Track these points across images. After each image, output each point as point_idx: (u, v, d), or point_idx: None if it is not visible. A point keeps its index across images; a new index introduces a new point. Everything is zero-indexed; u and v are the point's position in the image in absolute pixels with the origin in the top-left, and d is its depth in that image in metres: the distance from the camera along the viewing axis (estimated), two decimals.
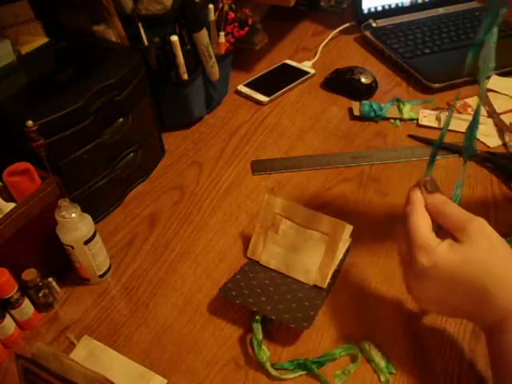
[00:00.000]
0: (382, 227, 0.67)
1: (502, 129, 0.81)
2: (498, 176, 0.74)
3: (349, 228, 0.59)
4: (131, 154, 0.72)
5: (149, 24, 0.74)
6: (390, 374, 0.51)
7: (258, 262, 0.63)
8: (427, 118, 0.84)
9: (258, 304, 0.56)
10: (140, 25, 0.73)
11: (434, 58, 0.95)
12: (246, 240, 0.66)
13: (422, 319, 0.56)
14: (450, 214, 0.45)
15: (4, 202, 0.56)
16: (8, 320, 0.54)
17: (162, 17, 0.74)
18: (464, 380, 0.51)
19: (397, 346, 0.54)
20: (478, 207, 0.69)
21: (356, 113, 0.86)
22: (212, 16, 0.80)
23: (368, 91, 0.90)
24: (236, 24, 0.86)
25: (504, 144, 0.78)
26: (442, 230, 0.46)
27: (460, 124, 0.82)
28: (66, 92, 0.61)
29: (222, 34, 0.84)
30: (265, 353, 0.53)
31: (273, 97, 0.91)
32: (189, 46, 0.77)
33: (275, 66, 1.00)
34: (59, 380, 0.45)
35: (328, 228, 0.59)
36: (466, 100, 0.87)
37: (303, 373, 0.52)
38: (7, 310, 0.54)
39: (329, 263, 0.59)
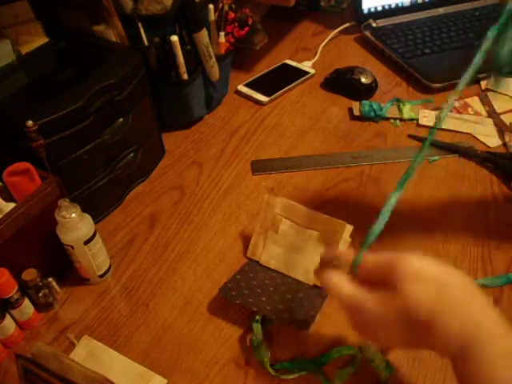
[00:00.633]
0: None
1: (502, 129, 0.81)
2: (497, 176, 0.74)
3: (349, 228, 0.59)
4: (131, 154, 0.72)
5: (149, 24, 0.74)
6: (390, 373, 0.51)
7: (257, 262, 0.63)
8: (427, 118, 0.84)
9: (258, 304, 0.56)
10: (140, 25, 0.73)
11: (434, 58, 0.95)
12: (246, 240, 0.66)
13: None
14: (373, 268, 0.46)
15: (4, 202, 0.56)
16: (8, 320, 0.54)
17: (161, 17, 0.74)
18: None
19: None
20: (478, 207, 0.69)
21: (356, 113, 0.86)
22: (212, 16, 0.80)
23: (368, 91, 0.90)
24: (236, 24, 0.86)
25: (504, 144, 0.78)
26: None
27: (460, 124, 0.82)
28: (66, 92, 0.61)
29: (222, 34, 0.84)
30: (265, 353, 0.53)
31: (273, 97, 0.91)
32: (189, 46, 0.77)
33: (275, 66, 1.00)
34: (59, 380, 0.45)
35: (328, 228, 0.59)
36: (466, 100, 0.87)
37: (303, 373, 0.52)
38: (7, 309, 0.54)
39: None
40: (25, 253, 0.56)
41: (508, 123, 0.82)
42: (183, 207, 0.72)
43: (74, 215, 0.55)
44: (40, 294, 0.57)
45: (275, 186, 0.74)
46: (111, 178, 0.69)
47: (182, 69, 0.77)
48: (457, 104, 0.86)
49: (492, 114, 0.84)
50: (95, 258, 0.59)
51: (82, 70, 0.66)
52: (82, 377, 0.45)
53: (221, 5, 0.82)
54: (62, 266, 0.61)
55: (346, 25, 1.08)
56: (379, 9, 1.08)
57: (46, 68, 0.68)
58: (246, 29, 0.89)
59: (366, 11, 1.07)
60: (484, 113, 0.85)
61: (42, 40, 0.71)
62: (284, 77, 0.96)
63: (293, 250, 0.61)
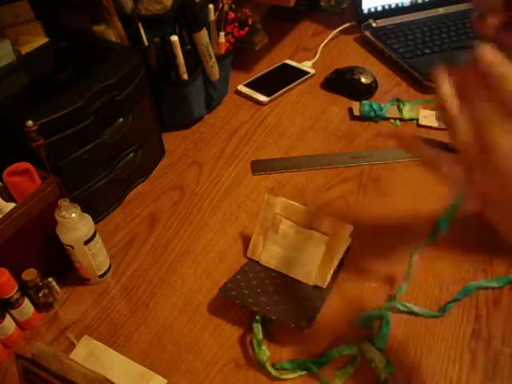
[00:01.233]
0: (382, 227, 0.67)
1: None
2: None
3: (349, 228, 0.59)
4: (131, 154, 0.72)
5: (149, 24, 0.74)
6: (390, 373, 0.51)
7: (257, 262, 0.63)
8: (427, 118, 0.84)
9: (258, 304, 0.55)
10: (140, 25, 0.73)
11: (434, 58, 0.95)
12: (246, 240, 0.66)
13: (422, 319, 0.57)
14: None
15: (4, 202, 0.56)
16: (8, 320, 0.54)
17: (161, 17, 0.74)
18: (464, 381, 0.51)
19: (397, 346, 0.54)
20: None
21: (356, 113, 0.86)
22: (212, 16, 0.80)
23: (368, 91, 0.90)
24: (236, 24, 0.86)
25: None
26: None
27: None
28: (66, 92, 0.61)
29: (222, 34, 0.84)
30: (265, 353, 0.53)
31: (273, 97, 0.91)
32: (189, 46, 0.77)
33: (275, 66, 1.00)
34: (59, 380, 0.45)
35: (328, 228, 0.59)
36: None
37: (303, 373, 0.52)
38: (7, 309, 0.54)
39: (329, 263, 0.59)
40: (25, 253, 0.56)
41: None
42: (183, 207, 0.72)
43: (74, 215, 0.55)
44: (40, 294, 0.57)
45: (275, 186, 0.74)
46: (111, 178, 0.69)
47: (182, 69, 0.77)
48: None
49: None
50: (95, 258, 0.59)
51: (81, 70, 0.66)
52: (82, 377, 0.45)
53: (221, 5, 0.82)
54: (62, 266, 0.61)
55: (346, 25, 1.08)
56: (379, 9, 1.08)
57: (46, 68, 0.68)
58: (246, 29, 0.89)
59: (366, 11, 1.07)
60: None
61: (42, 40, 0.71)
62: (284, 77, 0.96)
63: (293, 249, 0.61)
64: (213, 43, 0.81)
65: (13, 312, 0.55)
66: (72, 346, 0.56)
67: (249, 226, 0.68)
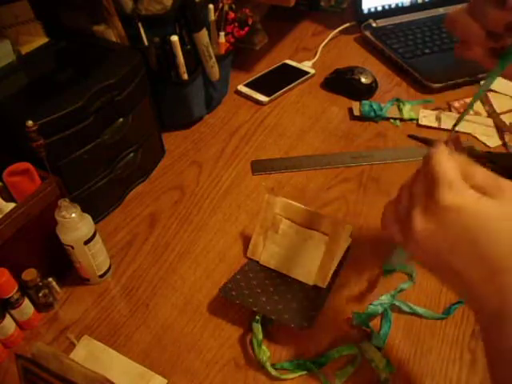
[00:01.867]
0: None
1: (501, 129, 0.81)
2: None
3: (349, 228, 0.59)
4: (131, 154, 0.72)
5: (149, 24, 0.74)
6: (390, 373, 0.51)
7: (257, 261, 0.63)
8: (427, 118, 0.84)
9: (258, 304, 0.55)
10: (140, 25, 0.73)
11: (434, 58, 0.95)
12: (246, 240, 0.66)
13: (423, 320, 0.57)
14: (481, 173, 0.38)
15: (4, 202, 0.56)
16: (8, 320, 0.54)
17: (162, 17, 0.74)
18: (464, 381, 0.51)
19: (397, 346, 0.54)
20: None
21: (356, 113, 0.86)
22: (212, 16, 0.80)
23: (368, 91, 0.90)
24: (236, 24, 0.86)
25: (504, 144, 0.78)
26: None
27: (460, 124, 0.82)
28: (66, 92, 0.61)
29: (222, 34, 0.84)
30: (265, 353, 0.53)
31: (273, 97, 0.91)
32: (189, 46, 0.77)
33: (275, 66, 1.00)
34: (59, 380, 0.45)
35: (328, 228, 0.59)
36: (466, 100, 0.87)
37: (303, 373, 0.52)
38: (7, 309, 0.54)
39: (329, 263, 0.59)
40: (25, 253, 0.56)
41: (508, 123, 0.82)
42: (183, 207, 0.72)
43: (74, 215, 0.55)
44: (40, 294, 0.57)
45: (275, 186, 0.74)
46: (111, 178, 0.69)
47: (182, 69, 0.77)
48: (457, 104, 0.86)
49: (492, 113, 0.84)
50: (95, 258, 0.59)
51: (82, 70, 0.66)
52: (82, 377, 0.45)
53: (221, 5, 0.82)
54: (62, 266, 0.61)
55: (346, 25, 1.08)
56: (379, 9, 1.08)
57: (46, 68, 0.68)
58: (246, 29, 0.89)
59: (366, 11, 1.07)
60: (484, 113, 0.85)
61: (42, 40, 0.71)
62: (284, 77, 0.96)
63: (293, 250, 0.61)
64: (213, 43, 0.81)
65: (13, 312, 0.55)
66: (72, 345, 0.56)
67: (249, 226, 0.68)
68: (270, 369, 0.52)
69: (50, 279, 0.59)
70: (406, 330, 0.56)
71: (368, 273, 0.62)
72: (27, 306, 0.56)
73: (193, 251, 0.66)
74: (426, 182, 0.39)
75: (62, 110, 0.58)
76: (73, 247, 0.57)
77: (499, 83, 0.89)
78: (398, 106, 0.86)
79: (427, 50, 0.97)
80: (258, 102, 0.91)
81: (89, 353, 0.55)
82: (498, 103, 0.86)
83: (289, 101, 0.92)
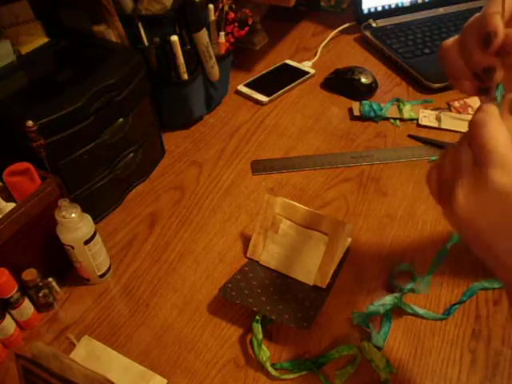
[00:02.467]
0: (382, 227, 0.67)
1: None
2: None
3: (349, 228, 0.59)
4: (131, 154, 0.71)
5: (149, 24, 0.74)
6: (390, 373, 0.51)
7: (257, 262, 0.63)
8: (427, 118, 0.84)
9: (258, 304, 0.55)
10: (140, 25, 0.73)
11: (434, 58, 0.95)
12: (246, 240, 0.66)
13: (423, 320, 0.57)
14: None
15: (4, 202, 0.56)
16: (8, 320, 0.54)
17: (161, 17, 0.74)
18: (464, 381, 0.51)
19: (397, 346, 0.54)
20: None
21: (356, 113, 0.86)
22: (212, 16, 0.80)
23: (368, 91, 0.90)
24: (236, 24, 0.86)
25: None
26: None
27: (460, 124, 0.82)
28: (65, 92, 0.61)
29: (222, 33, 0.84)
30: (265, 353, 0.53)
31: (273, 97, 0.91)
32: (189, 46, 0.77)
33: (275, 65, 1.00)
34: (59, 380, 0.45)
35: (328, 228, 0.59)
36: (466, 100, 0.87)
37: (303, 373, 0.52)
38: (7, 310, 0.54)
39: (329, 263, 0.59)
40: (25, 253, 0.56)
41: None
42: (183, 207, 0.72)
43: (73, 215, 0.55)
44: (40, 294, 0.57)
45: (275, 186, 0.74)
46: (111, 178, 0.69)
47: (182, 69, 0.77)
48: (457, 104, 0.86)
49: None
50: (95, 257, 0.59)
51: (82, 70, 0.66)
52: (82, 377, 0.45)
53: (221, 5, 0.82)
54: (62, 265, 0.61)
55: (346, 25, 1.08)
56: (379, 9, 1.08)
57: (46, 68, 0.68)
58: (246, 29, 0.89)
59: (366, 11, 1.07)
60: None
61: (42, 40, 0.71)
62: (284, 77, 0.96)
63: (293, 250, 0.61)
64: (213, 43, 0.81)
65: (13, 312, 0.55)
66: (72, 345, 0.56)
67: (249, 226, 0.68)
68: (270, 369, 0.52)
69: (50, 279, 0.59)
70: (406, 330, 0.56)
71: (368, 273, 0.62)
72: (27, 306, 0.56)
73: (193, 251, 0.66)
74: (473, 152, 0.35)
75: (62, 110, 0.58)
76: (73, 247, 0.57)
77: None
78: (398, 106, 0.86)
79: (427, 50, 0.97)
80: (257, 102, 0.91)
81: (89, 353, 0.55)
82: None
83: (289, 101, 0.92)
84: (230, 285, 0.58)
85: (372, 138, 0.82)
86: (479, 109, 0.36)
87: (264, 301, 0.56)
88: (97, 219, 0.68)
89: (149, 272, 0.64)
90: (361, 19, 1.07)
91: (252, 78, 0.96)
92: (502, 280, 0.38)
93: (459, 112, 0.85)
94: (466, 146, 0.36)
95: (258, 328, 0.54)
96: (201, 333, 0.57)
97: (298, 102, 0.91)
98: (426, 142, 0.80)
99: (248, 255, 0.64)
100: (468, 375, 0.51)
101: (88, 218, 0.58)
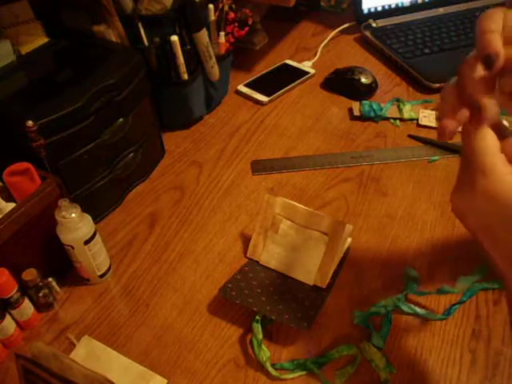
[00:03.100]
0: (382, 227, 0.67)
1: None
2: None
3: (349, 228, 0.59)
4: (131, 154, 0.71)
5: (149, 24, 0.74)
6: (390, 373, 0.51)
7: (258, 262, 0.63)
8: (427, 118, 0.84)
9: (258, 304, 0.55)
10: (140, 25, 0.73)
11: (434, 58, 0.95)
12: (246, 240, 0.66)
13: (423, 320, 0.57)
14: None
15: (4, 202, 0.56)
16: (8, 320, 0.54)
17: (161, 17, 0.74)
18: (464, 381, 0.51)
19: (397, 346, 0.54)
20: None
21: (356, 113, 0.86)
22: (212, 16, 0.80)
23: (368, 91, 0.90)
24: (236, 24, 0.86)
25: None
26: None
27: None
28: (66, 92, 0.61)
29: (222, 33, 0.84)
30: (265, 353, 0.53)
31: (273, 97, 0.91)
32: (189, 46, 0.77)
33: (275, 65, 1.00)
34: (59, 380, 0.45)
35: (328, 228, 0.59)
36: None
37: (303, 373, 0.52)
38: (7, 310, 0.54)
39: (329, 263, 0.59)
40: (25, 253, 0.56)
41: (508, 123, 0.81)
42: (183, 207, 0.72)
43: (73, 215, 0.55)
44: (40, 294, 0.57)
45: (275, 186, 0.74)
46: (111, 178, 0.69)
47: (182, 69, 0.77)
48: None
49: None
50: (95, 257, 0.59)
51: (82, 70, 0.66)
52: (82, 377, 0.45)
53: (221, 5, 0.82)
54: (62, 265, 0.61)
55: (346, 25, 1.08)
56: (379, 9, 1.08)
57: (46, 68, 0.68)
58: (246, 29, 0.89)
59: (366, 11, 1.07)
60: None
61: (42, 40, 0.71)
62: (284, 77, 0.96)
63: (293, 250, 0.61)
64: (213, 43, 0.81)
65: (13, 312, 0.55)
66: (72, 345, 0.56)
67: (249, 226, 0.68)
68: (270, 369, 0.52)
69: (50, 279, 0.59)
70: (406, 330, 0.56)
71: (368, 273, 0.61)
72: (27, 306, 0.56)
73: (193, 251, 0.66)
74: (464, 157, 0.38)
75: (62, 110, 0.58)
76: (73, 247, 0.57)
77: None
78: (398, 106, 0.86)
79: (427, 50, 0.97)
80: (257, 102, 0.91)
81: (89, 353, 0.55)
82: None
83: (289, 101, 0.92)
84: (230, 285, 0.58)
85: (372, 138, 0.82)
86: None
87: (264, 301, 0.56)
88: (97, 219, 0.68)
89: (149, 272, 0.64)
90: (361, 19, 1.07)
91: (252, 78, 0.96)
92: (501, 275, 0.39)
93: None
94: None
95: (258, 328, 0.54)
96: (201, 333, 0.57)
97: (298, 102, 0.91)
98: (426, 141, 0.80)
99: (248, 255, 0.64)
100: (468, 375, 0.51)
101: (88, 218, 0.58)
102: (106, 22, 0.72)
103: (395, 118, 0.85)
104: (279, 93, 0.92)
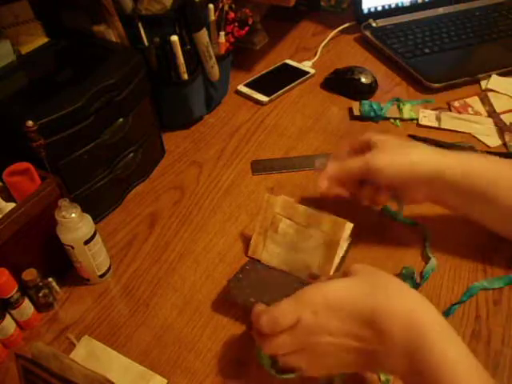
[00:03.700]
0: (382, 226, 0.67)
1: (501, 128, 0.81)
2: None
3: (349, 226, 0.59)
4: (131, 154, 0.72)
5: (149, 24, 0.74)
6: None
7: (259, 261, 0.63)
8: (427, 117, 0.84)
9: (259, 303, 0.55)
10: (140, 25, 0.73)
11: (434, 58, 0.95)
12: (246, 240, 0.66)
13: None
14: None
15: (4, 202, 0.56)
16: (8, 320, 0.54)
17: (161, 17, 0.74)
18: None
19: None
20: None
21: (356, 113, 0.86)
22: (212, 16, 0.80)
23: (368, 91, 0.90)
24: (236, 24, 0.86)
25: (504, 144, 0.78)
26: None
27: (460, 124, 0.82)
28: (65, 92, 0.61)
29: (222, 33, 0.84)
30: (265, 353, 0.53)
31: (273, 97, 0.91)
32: (189, 46, 0.77)
33: (275, 65, 1.00)
34: (59, 380, 0.45)
35: (328, 227, 0.59)
36: (466, 100, 0.87)
37: None
38: (7, 310, 0.54)
39: (329, 263, 0.59)
40: (25, 253, 0.56)
41: (508, 123, 0.81)
42: (183, 207, 0.72)
43: (73, 215, 0.55)
44: (40, 294, 0.57)
45: (275, 186, 0.74)
46: (111, 178, 0.69)
47: (182, 69, 0.77)
48: (457, 104, 0.86)
49: (492, 113, 0.84)
50: (95, 257, 0.59)
51: (82, 70, 0.66)
52: (82, 377, 0.45)
53: (221, 5, 0.82)
54: (62, 265, 0.61)
55: (346, 25, 1.08)
56: (379, 9, 1.08)
57: (46, 68, 0.68)
58: (246, 29, 0.89)
59: (366, 11, 1.07)
60: (484, 113, 0.85)
61: (42, 40, 0.71)
62: (284, 77, 0.96)
63: (293, 249, 0.61)
64: (213, 43, 0.81)
65: (13, 312, 0.55)
66: (72, 345, 0.56)
67: (249, 226, 0.68)
68: (270, 369, 0.52)
69: (50, 279, 0.59)
70: None
71: None
72: (27, 306, 0.56)
73: (193, 251, 0.66)
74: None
75: (62, 110, 0.58)
76: (73, 247, 0.57)
77: (499, 83, 0.90)
78: (398, 106, 0.86)
79: (427, 50, 0.97)
80: (257, 102, 0.91)
81: (89, 353, 0.55)
82: (498, 103, 0.86)
83: (289, 101, 0.92)
84: (231, 284, 0.58)
85: None
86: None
87: (265, 300, 0.56)
88: (97, 219, 0.68)
89: (149, 272, 0.64)
90: (361, 19, 1.06)
91: (252, 78, 0.96)
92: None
93: (459, 112, 0.85)
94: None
95: None
96: (201, 333, 0.57)
97: (298, 102, 0.91)
98: (426, 141, 0.80)
99: (249, 255, 0.64)
100: None
101: (88, 218, 0.58)
102: (105, 21, 0.72)
103: (395, 118, 0.85)
104: (279, 93, 0.92)
